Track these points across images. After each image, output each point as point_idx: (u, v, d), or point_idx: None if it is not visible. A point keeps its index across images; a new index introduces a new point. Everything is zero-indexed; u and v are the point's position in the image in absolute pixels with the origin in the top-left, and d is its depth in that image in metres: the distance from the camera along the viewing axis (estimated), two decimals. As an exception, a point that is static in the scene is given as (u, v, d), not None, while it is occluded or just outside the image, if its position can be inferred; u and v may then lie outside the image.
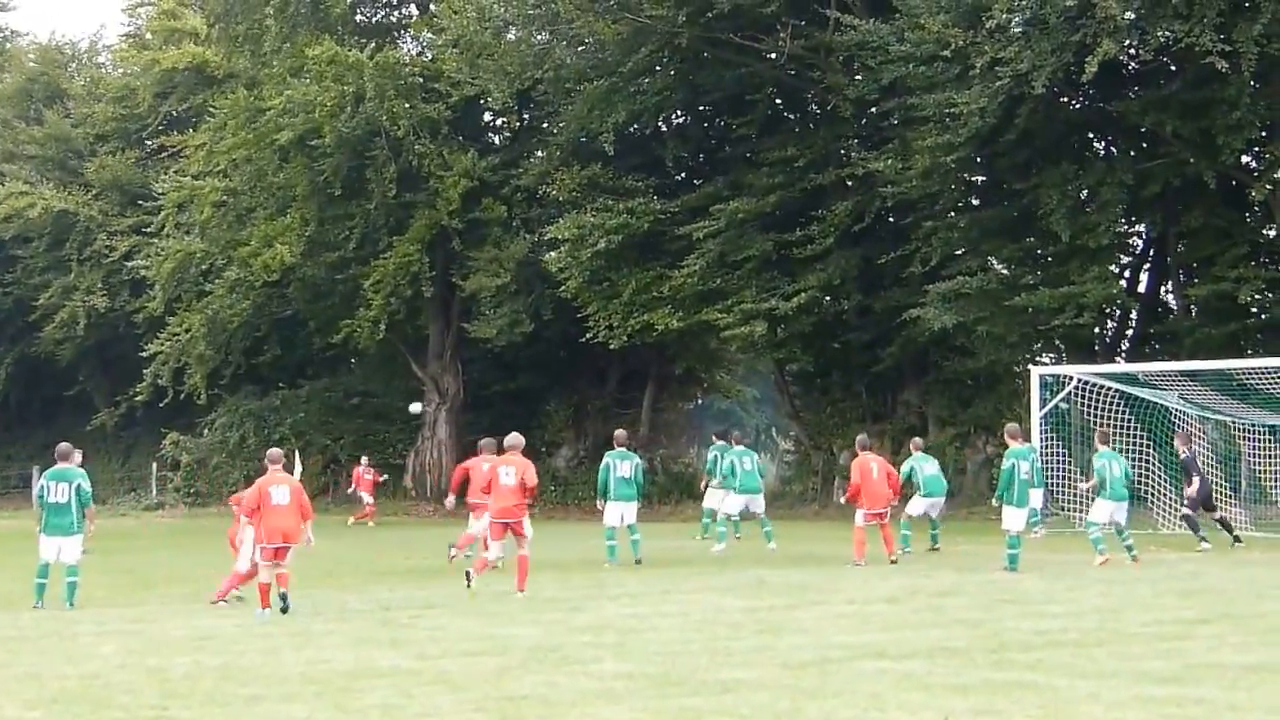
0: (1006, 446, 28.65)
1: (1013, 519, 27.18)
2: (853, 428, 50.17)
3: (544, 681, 14.59)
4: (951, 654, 15.94)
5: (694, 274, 50.80)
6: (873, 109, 51.06)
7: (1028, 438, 33.97)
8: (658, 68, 53.89)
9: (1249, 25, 40.39)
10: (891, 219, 51.56)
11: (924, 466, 33.15)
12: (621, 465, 31.63)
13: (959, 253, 48.86)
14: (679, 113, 57.51)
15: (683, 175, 57.27)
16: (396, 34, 63.80)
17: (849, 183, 51.63)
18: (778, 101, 55.27)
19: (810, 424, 56.93)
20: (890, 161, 47.80)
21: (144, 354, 63.04)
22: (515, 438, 25.50)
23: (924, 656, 15.79)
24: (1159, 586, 24.01)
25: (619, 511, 31.21)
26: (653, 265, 52.76)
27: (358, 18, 62.51)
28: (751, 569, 26.21)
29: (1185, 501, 34.18)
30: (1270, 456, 38.09)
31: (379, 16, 64.51)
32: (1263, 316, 47.98)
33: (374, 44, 56.66)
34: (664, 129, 57.28)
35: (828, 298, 52.43)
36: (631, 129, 54.15)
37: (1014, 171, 47.78)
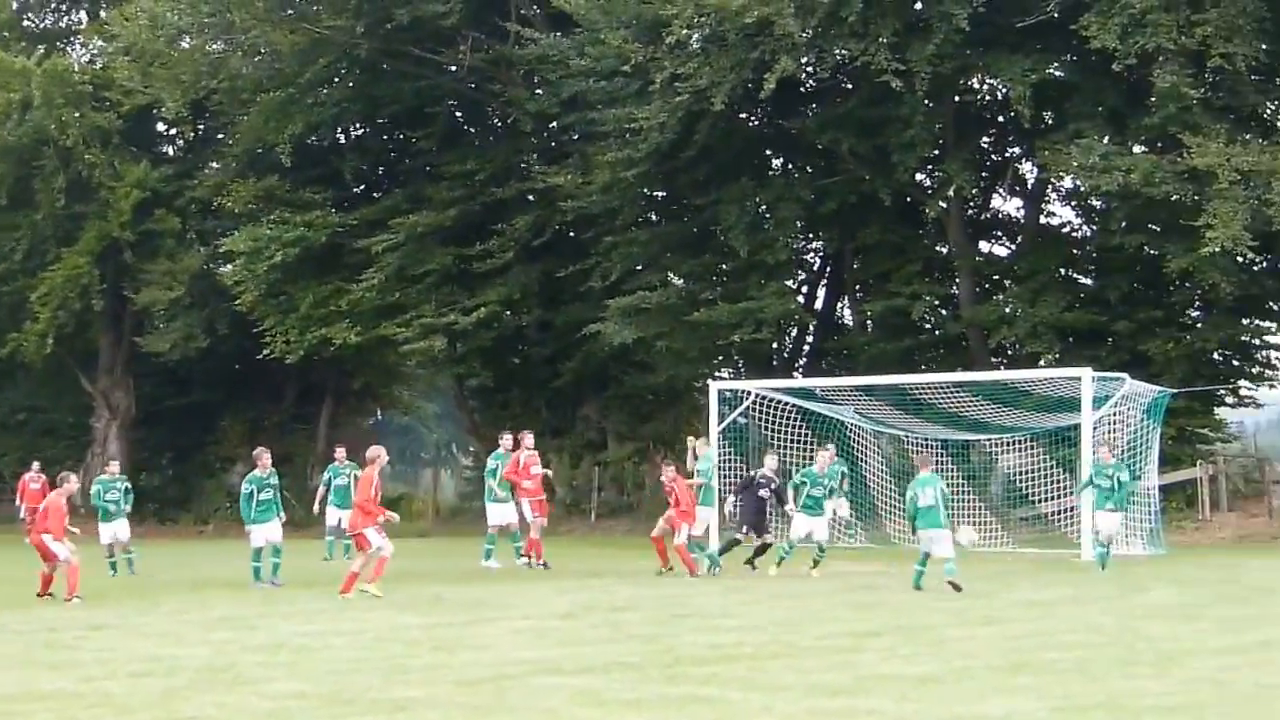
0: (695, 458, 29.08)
1: (943, 545, 26.43)
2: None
3: (213, 702, 14.03)
4: (627, 669, 15.76)
5: (373, 288, 50.23)
6: (553, 123, 51.13)
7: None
8: (336, 79, 53.31)
9: (922, 45, 41.31)
10: (572, 234, 51.52)
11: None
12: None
13: (639, 268, 49.04)
14: (358, 124, 56.87)
15: (362, 188, 56.60)
16: (66, 41, 62.03)
17: (529, 197, 51.56)
18: (458, 115, 55.07)
19: (490, 440, 56.55)
20: (571, 176, 47.86)
21: None
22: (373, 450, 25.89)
23: (600, 671, 15.59)
24: (833, 600, 24.22)
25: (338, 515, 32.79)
26: (331, 279, 52.03)
27: (24, 23, 60.71)
28: (430, 585, 25.78)
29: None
30: (943, 469, 38.83)
31: (47, 23, 62.83)
32: (936, 332, 49.16)
33: (42, 50, 54.99)
34: (343, 141, 56.67)
35: (508, 312, 52.22)
36: (309, 140, 53.42)
37: (693, 187, 48.18)
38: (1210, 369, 45.83)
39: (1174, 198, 40.60)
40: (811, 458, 32.56)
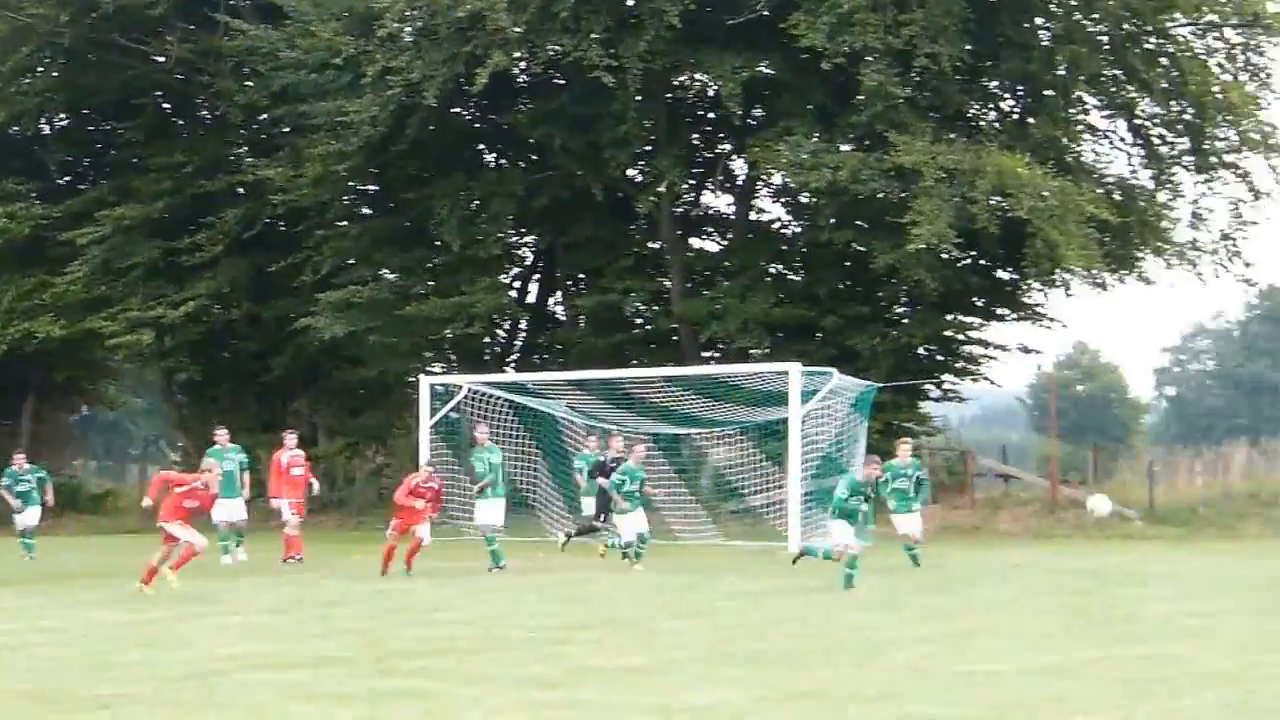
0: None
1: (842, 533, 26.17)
2: (242, 438, 49.19)
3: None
4: (337, 664, 15.58)
5: (78, 281, 49.01)
6: (264, 115, 50.26)
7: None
8: (39, 68, 51.91)
9: (634, 41, 41.53)
10: (283, 227, 50.75)
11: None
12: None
13: (350, 262, 48.52)
14: (63, 115, 55.23)
15: (67, 179, 54.90)
16: None
17: (239, 190, 50.77)
18: (166, 106, 53.97)
19: (199, 435, 55.50)
20: (281, 169, 47.21)
21: None
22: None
23: (309, 667, 15.38)
24: (546, 593, 24.25)
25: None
26: (34, 272, 50.61)
27: None
28: (134, 581, 25.18)
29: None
30: (653, 464, 39.01)
31: None
32: (647, 327, 49.46)
33: None
34: (47, 131, 55.02)
35: (217, 306, 51.28)
36: (11, 130, 51.81)
37: (406, 181, 47.92)
38: (916, 364, 46.91)
39: (881, 195, 41.35)
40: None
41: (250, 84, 49.74)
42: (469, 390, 39.91)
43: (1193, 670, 14.68)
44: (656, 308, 49.06)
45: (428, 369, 49.03)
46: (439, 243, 46.68)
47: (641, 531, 29.67)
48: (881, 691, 13.46)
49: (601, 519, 32.76)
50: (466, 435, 38.96)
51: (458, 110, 48.24)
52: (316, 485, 34.19)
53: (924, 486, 30.07)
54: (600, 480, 32.33)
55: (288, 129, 49.74)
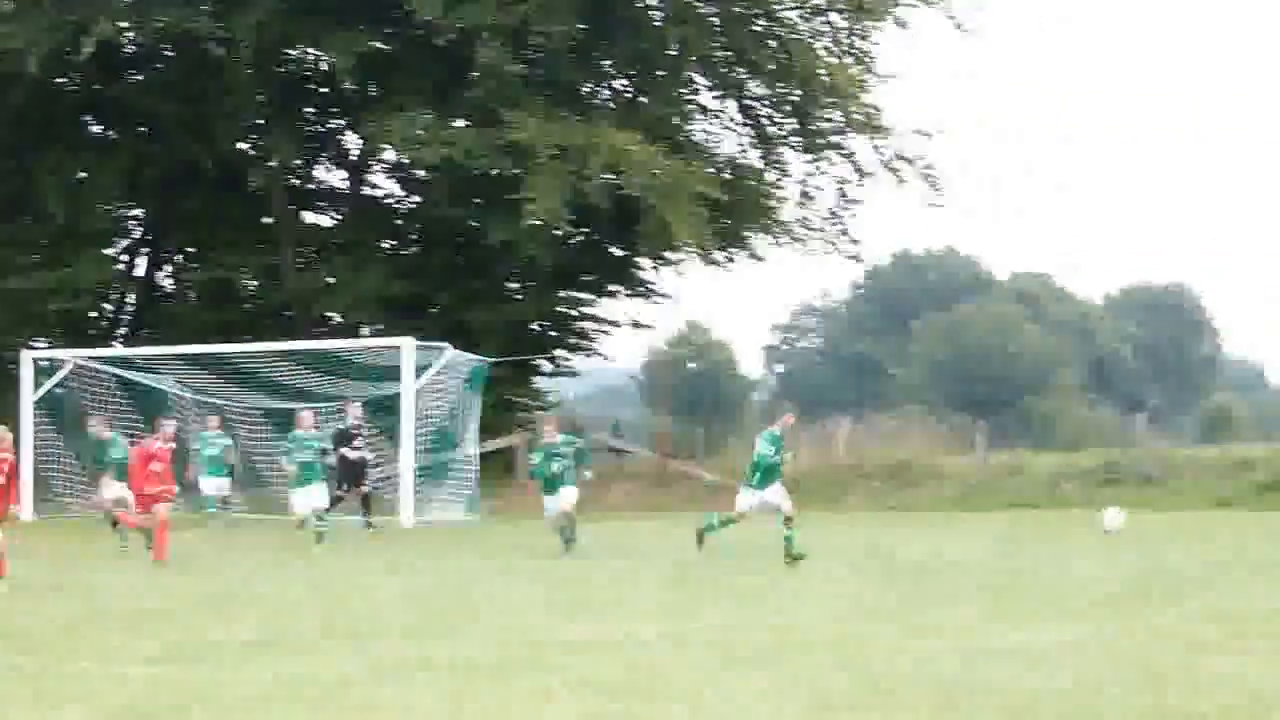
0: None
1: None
2: None
3: None
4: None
5: None
6: None
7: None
8: None
9: (245, 14, 40.90)
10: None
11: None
12: None
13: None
14: None
15: None
16: None
17: None
18: None
19: None
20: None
21: None
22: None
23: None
24: (164, 567, 23.77)
25: None
26: None
27: None
28: None
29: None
30: (263, 440, 38.57)
31: None
32: (259, 302, 48.82)
33: None
34: None
35: None
36: None
37: (7, 151, 46.32)
38: (529, 339, 47.24)
39: (495, 171, 41.57)
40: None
41: None
42: (75, 365, 38.88)
43: (795, 638, 15.07)
44: (269, 282, 48.45)
45: (31, 343, 47.51)
46: (43, 214, 45.32)
47: (318, 508, 28.54)
48: (496, 663, 13.52)
49: (344, 489, 32.69)
50: (73, 413, 37.93)
51: (63, 80, 46.82)
52: None
53: (586, 456, 28.30)
54: (345, 451, 32.49)
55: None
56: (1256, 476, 39.62)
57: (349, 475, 32.76)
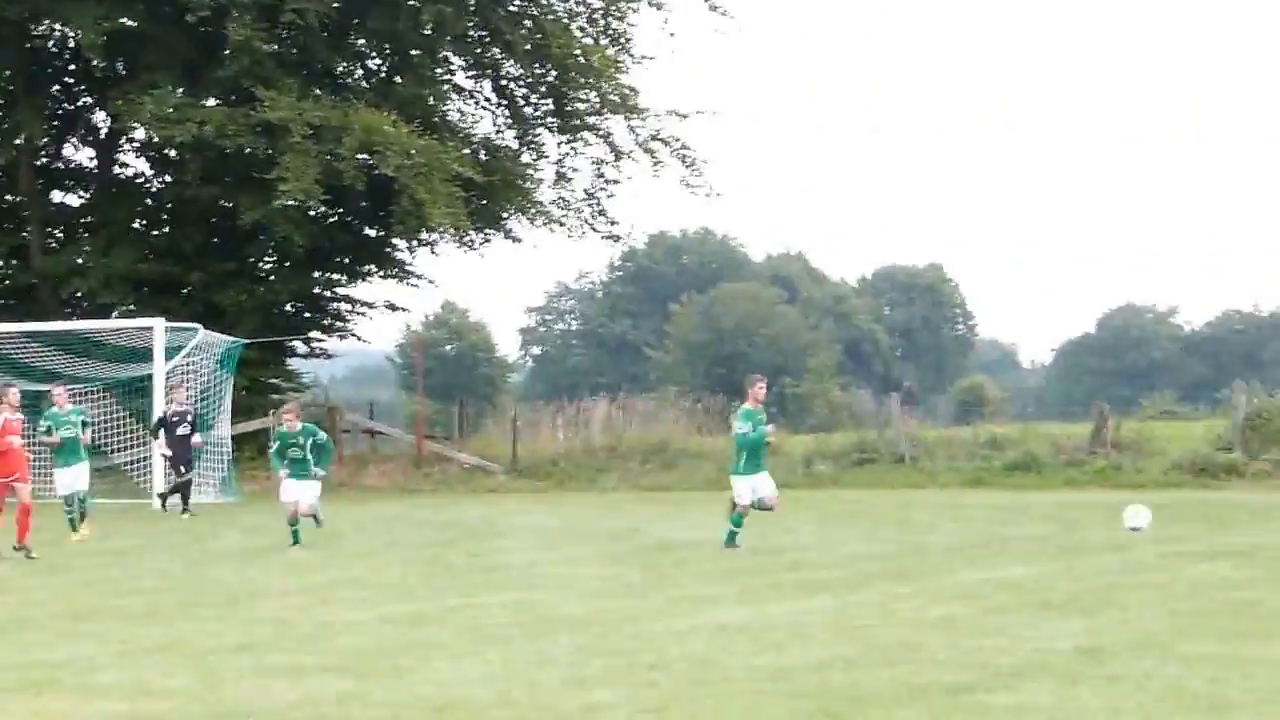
0: None
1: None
2: None
3: None
4: None
5: None
6: None
7: None
8: None
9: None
10: None
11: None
12: None
13: None
14: None
15: None
16: None
17: None
18: None
19: None
20: None
21: None
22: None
23: None
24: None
25: None
26: None
27: None
28: None
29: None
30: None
31: None
32: (5, 282, 47.80)
33: None
34: None
35: None
36: None
37: None
38: (283, 320, 46.74)
39: (248, 151, 41.05)
40: None
41: None
42: None
43: (549, 615, 15.18)
44: (15, 262, 47.33)
45: None
46: None
47: (78, 490, 27.24)
48: (241, 643, 13.45)
49: (183, 470, 32.17)
50: None
51: None
52: None
53: (325, 452, 25.14)
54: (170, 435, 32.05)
55: None
56: (1007, 455, 40.65)
57: (184, 458, 32.21)
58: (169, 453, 32.53)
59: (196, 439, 32.79)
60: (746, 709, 10.22)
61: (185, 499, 32.22)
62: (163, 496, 33.70)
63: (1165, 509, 27.85)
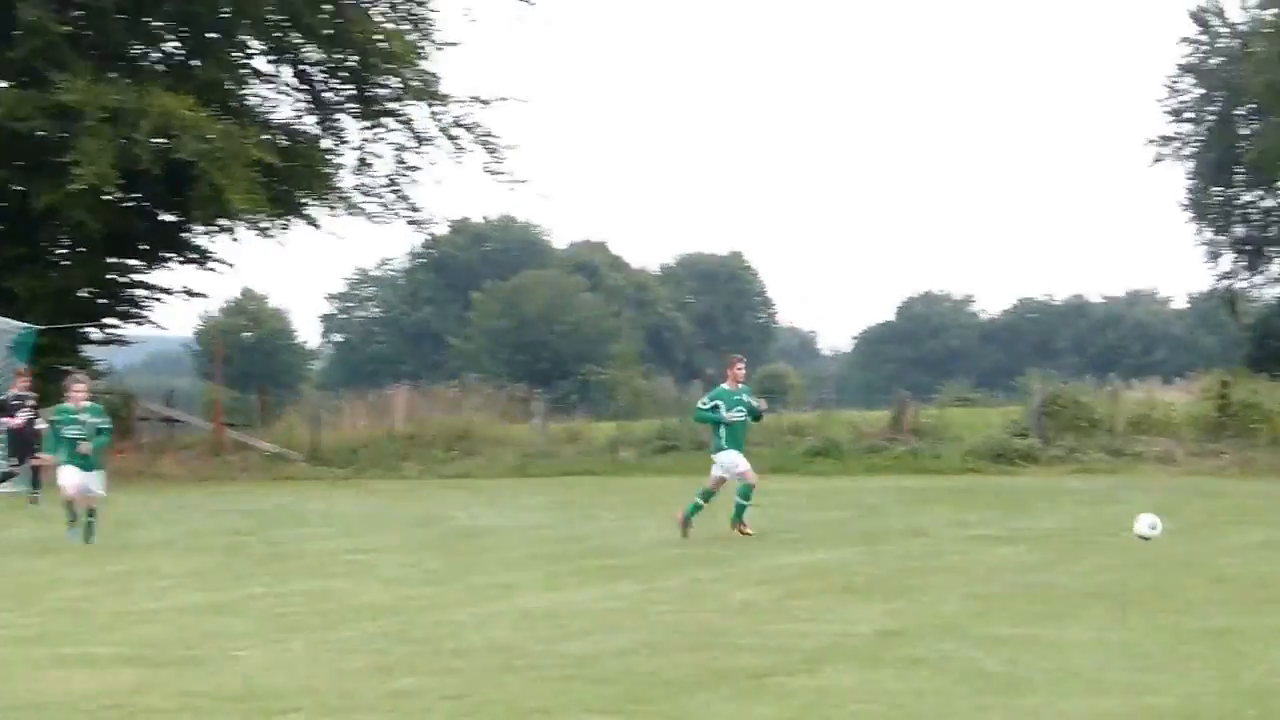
0: None
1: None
2: None
3: None
4: None
5: None
6: None
7: None
8: None
9: None
10: None
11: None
12: None
13: None
14: None
15: None
16: None
17: None
18: None
19: None
20: None
21: None
22: None
23: None
24: None
25: None
26: None
27: None
28: None
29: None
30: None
31: None
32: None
33: None
34: None
35: None
36: None
37: None
38: (77, 306, 45.85)
39: (41, 134, 40.30)
40: None
41: None
42: None
43: (351, 603, 15.06)
44: None
45: None
46: None
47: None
48: (37, 634, 13.20)
49: (17, 463, 31.63)
50: None
51: None
52: None
53: (105, 436, 23.15)
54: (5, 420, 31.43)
55: None
56: (808, 442, 41.06)
57: (19, 446, 31.49)
58: None
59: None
60: (551, 695, 10.20)
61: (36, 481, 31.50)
62: None
63: (963, 494, 28.35)
